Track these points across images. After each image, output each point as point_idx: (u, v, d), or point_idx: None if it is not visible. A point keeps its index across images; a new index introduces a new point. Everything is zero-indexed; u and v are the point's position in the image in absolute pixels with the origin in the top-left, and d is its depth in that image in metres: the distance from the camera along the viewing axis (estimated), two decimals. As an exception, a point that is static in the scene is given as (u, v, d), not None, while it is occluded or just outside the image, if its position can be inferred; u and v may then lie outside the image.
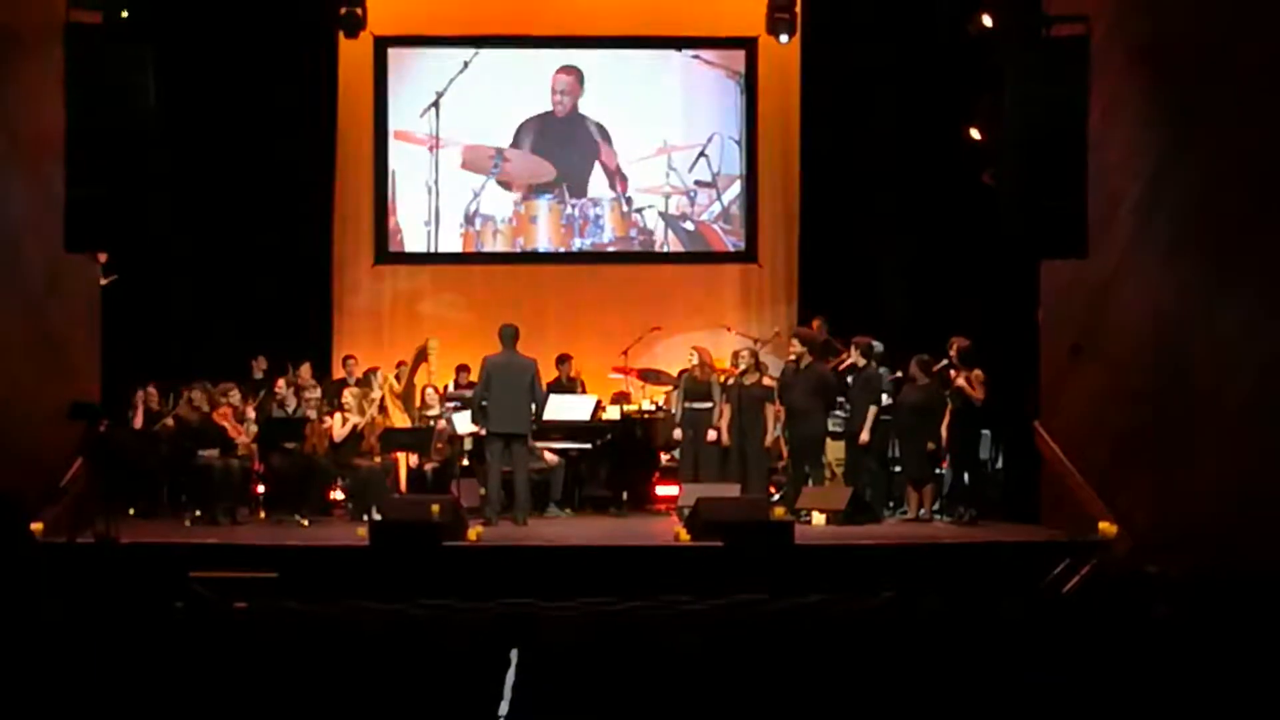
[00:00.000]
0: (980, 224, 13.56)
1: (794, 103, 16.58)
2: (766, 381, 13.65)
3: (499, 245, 16.82)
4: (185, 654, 8.51)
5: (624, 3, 16.71)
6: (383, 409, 13.94)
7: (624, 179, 16.77)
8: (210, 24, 14.84)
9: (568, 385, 14.97)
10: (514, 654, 8.04)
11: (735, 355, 13.91)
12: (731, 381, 13.65)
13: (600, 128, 16.76)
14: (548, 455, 14.00)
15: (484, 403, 13.15)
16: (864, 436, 13.22)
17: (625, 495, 14.30)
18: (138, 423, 13.83)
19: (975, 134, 13.71)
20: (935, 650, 8.66)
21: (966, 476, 13.47)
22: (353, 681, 7.93)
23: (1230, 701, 7.42)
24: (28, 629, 8.91)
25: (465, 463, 14.16)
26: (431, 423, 14.13)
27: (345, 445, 13.68)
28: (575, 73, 16.76)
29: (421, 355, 14.83)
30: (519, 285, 16.57)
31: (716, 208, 16.88)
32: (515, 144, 16.74)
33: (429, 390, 14.53)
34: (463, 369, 15.23)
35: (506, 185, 16.80)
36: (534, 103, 16.78)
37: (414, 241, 16.83)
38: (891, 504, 13.71)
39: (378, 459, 13.66)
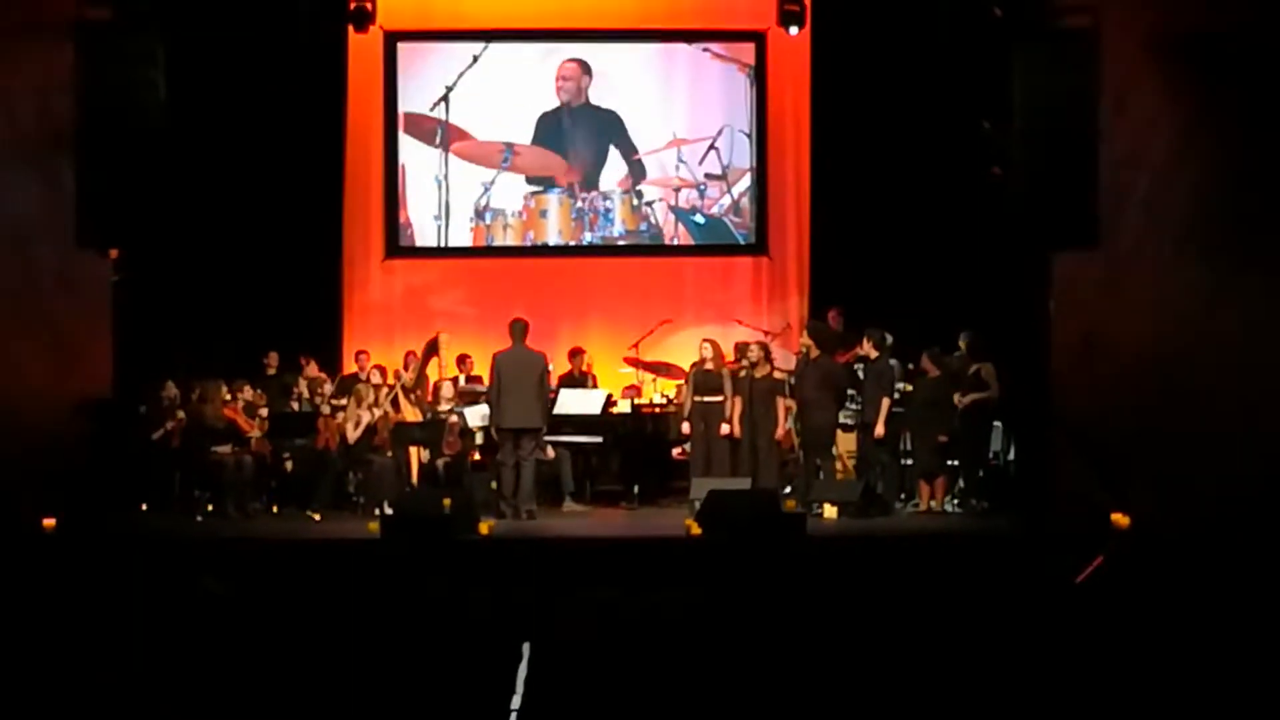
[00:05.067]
0: (991, 216, 13.58)
1: (804, 95, 16.56)
2: (777, 375, 13.66)
3: (509, 239, 16.83)
4: (196, 644, 8.58)
5: (633, -5, 16.76)
6: (395, 403, 13.96)
7: (638, 169, 16.76)
8: (219, 19, 14.81)
9: (580, 379, 14.98)
10: (526, 647, 8.08)
11: (739, 348, 13.94)
12: (743, 374, 13.65)
13: (613, 115, 16.75)
14: (548, 449, 14.01)
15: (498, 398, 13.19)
16: (879, 429, 13.20)
17: (637, 488, 14.32)
18: (150, 418, 13.82)
19: (986, 125, 13.70)
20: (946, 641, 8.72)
21: (979, 469, 13.47)
22: (367, 674, 7.98)
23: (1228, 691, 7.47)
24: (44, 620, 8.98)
25: (477, 457, 14.18)
26: (444, 416, 14.16)
27: (357, 440, 13.71)
28: (579, 62, 16.74)
29: (432, 348, 14.86)
30: (529, 279, 16.56)
31: (727, 200, 16.87)
32: (533, 138, 16.74)
33: (445, 384, 14.56)
34: (464, 359, 15.25)
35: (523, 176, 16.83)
36: (544, 97, 16.77)
37: (424, 236, 16.83)
38: (903, 496, 13.69)
39: (389, 453, 13.68)
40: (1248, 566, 9.83)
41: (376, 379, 14.30)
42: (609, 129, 16.75)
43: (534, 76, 16.76)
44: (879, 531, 12.33)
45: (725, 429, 13.51)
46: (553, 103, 16.77)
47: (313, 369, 14.73)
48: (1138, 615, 9.34)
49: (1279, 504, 10.90)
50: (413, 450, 13.92)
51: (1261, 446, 11.36)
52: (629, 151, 16.74)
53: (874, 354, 13.45)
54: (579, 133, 16.78)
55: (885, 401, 13.23)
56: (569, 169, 16.72)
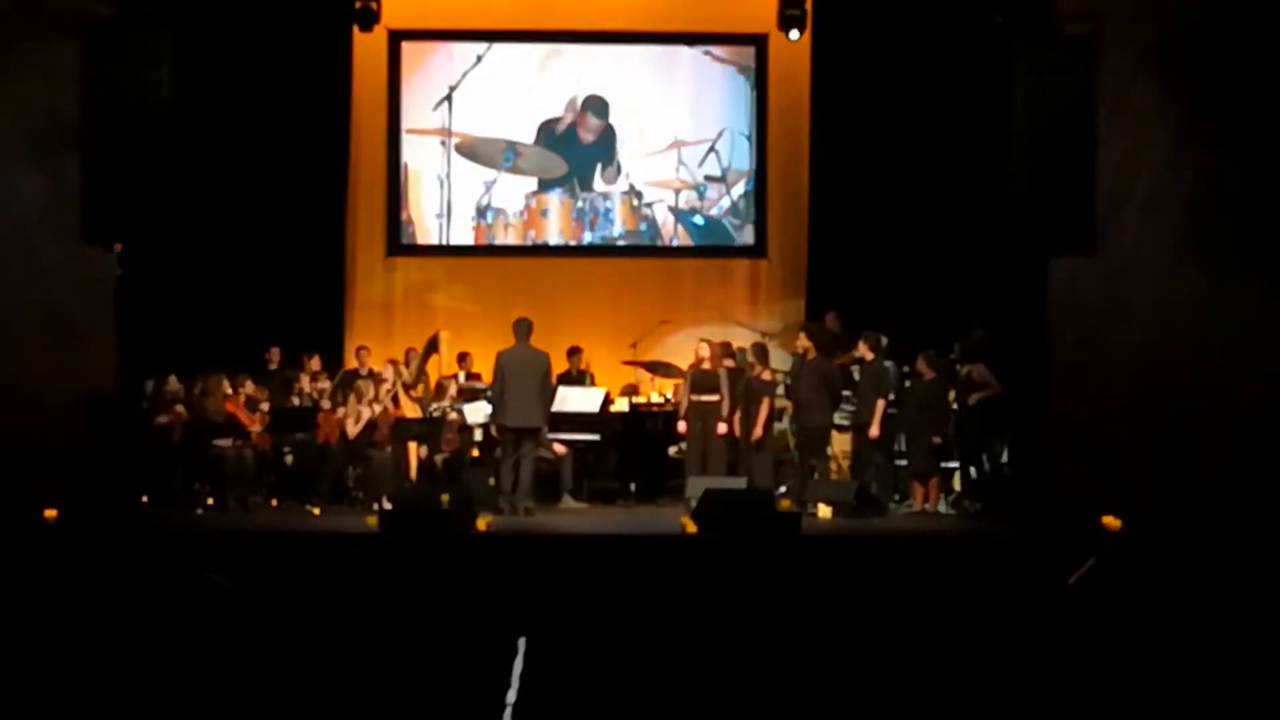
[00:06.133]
0: (989, 220, 13.62)
1: (804, 98, 16.57)
2: (765, 376, 13.70)
3: (510, 238, 16.87)
4: (197, 638, 8.63)
5: (636, -2, 16.82)
6: (395, 400, 14.01)
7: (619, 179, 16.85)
8: (225, 17, 14.87)
9: (578, 378, 15.00)
10: (521, 643, 8.12)
11: (726, 346, 14.00)
12: (743, 375, 13.71)
13: (608, 129, 16.83)
14: (556, 446, 14.07)
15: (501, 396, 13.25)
16: (874, 431, 13.25)
17: (633, 487, 14.38)
18: (152, 412, 13.87)
19: (986, 131, 13.76)
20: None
21: (973, 470, 13.51)
22: (365, 668, 8.02)
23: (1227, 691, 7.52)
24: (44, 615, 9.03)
25: (476, 453, 14.22)
26: (442, 413, 14.21)
27: (357, 435, 13.78)
28: (601, 108, 16.78)
29: (432, 346, 14.90)
30: (530, 278, 16.59)
31: (726, 202, 16.92)
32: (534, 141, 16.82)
33: (450, 382, 14.61)
34: (464, 356, 15.31)
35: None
36: (546, 97, 16.80)
37: (426, 234, 16.89)
38: (898, 497, 13.74)
39: (389, 449, 13.74)
40: (1243, 570, 9.85)
41: (389, 374, 14.34)
42: (605, 142, 16.82)
43: (538, 77, 16.81)
44: (873, 532, 12.36)
45: (722, 428, 13.58)
46: (552, 103, 16.81)
47: (315, 365, 14.78)
48: (1131, 618, 9.36)
49: (1275, 507, 10.94)
50: (412, 446, 13.96)
51: (1259, 449, 11.40)
52: (612, 169, 16.80)
53: (870, 356, 13.49)
54: (579, 143, 16.85)
55: (880, 403, 13.28)
56: (569, 171, 16.78)
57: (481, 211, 16.83)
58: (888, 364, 13.68)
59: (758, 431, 13.44)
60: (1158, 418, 11.91)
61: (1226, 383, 11.74)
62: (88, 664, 8.00)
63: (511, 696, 7.47)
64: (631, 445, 14.65)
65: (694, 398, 13.70)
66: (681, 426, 13.86)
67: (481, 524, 11.97)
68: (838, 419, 13.73)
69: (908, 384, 13.81)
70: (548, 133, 16.81)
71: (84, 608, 9.22)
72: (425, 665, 8.19)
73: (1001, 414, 13.32)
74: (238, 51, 15.40)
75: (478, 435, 14.22)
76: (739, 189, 16.88)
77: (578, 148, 16.83)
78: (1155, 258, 12.26)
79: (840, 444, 13.89)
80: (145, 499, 13.38)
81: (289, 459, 13.99)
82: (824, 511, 12.92)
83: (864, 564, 10.98)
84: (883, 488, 13.51)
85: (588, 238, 16.88)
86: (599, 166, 16.79)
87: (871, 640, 8.88)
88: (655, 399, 15.25)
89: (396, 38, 16.63)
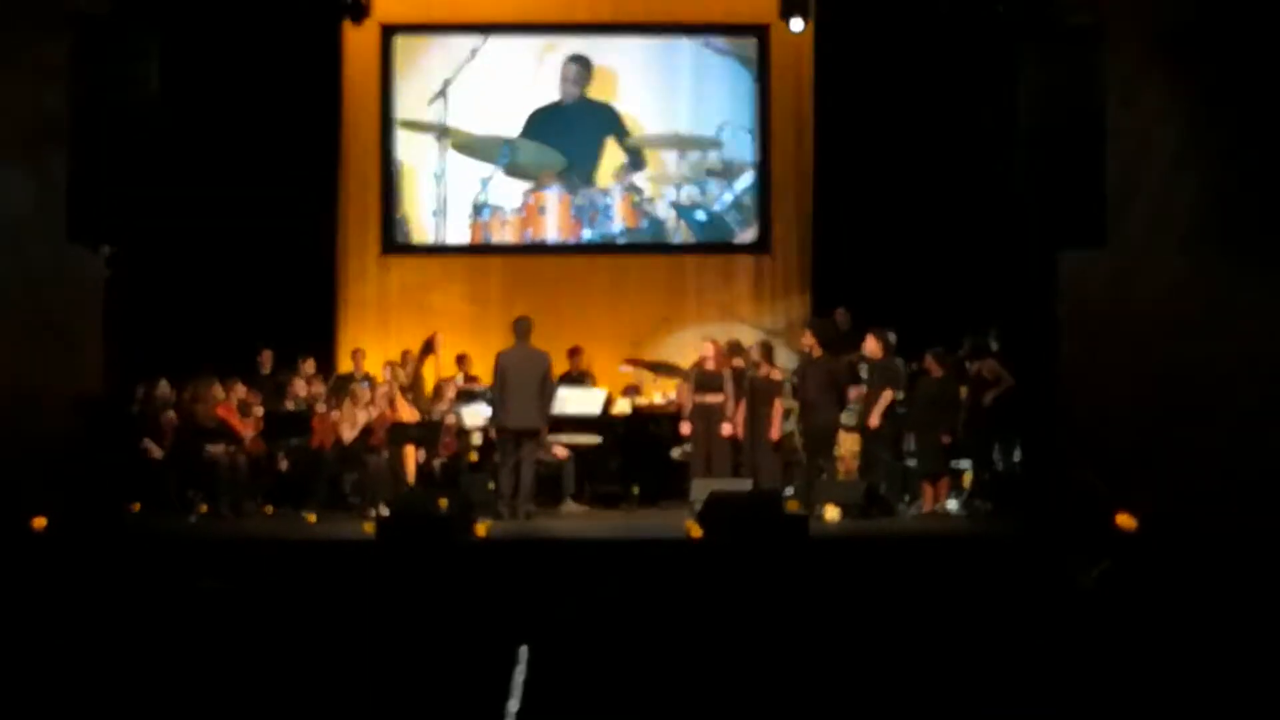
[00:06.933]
0: (997, 213, 13.50)
1: (807, 91, 16.47)
2: (775, 375, 13.55)
3: (507, 236, 16.73)
4: (191, 649, 8.48)
5: (634, -11, 16.66)
6: (391, 403, 13.86)
7: (636, 158, 16.64)
8: (215, 12, 14.75)
9: (578, 378, 14.89)
10: (523, 650, 7.99)
11: (736, 345, 13.83)
12: (747, 374, 13.56)
13: (607, 109, 16.62)
14: (558, 449, 13.91)
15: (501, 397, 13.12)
16: (873, 420, 13.09)
17: (637, 490, 14.22)
18: (143, 417, 13.72)
19: (987, 116, 13.67)
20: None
21: (984, 470, 13.36)
22: (363, 676, 7.88)
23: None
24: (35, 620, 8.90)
25: (474, 458, 14.08)
26: (439, 416, 14.08)
27: (353, 440, 13.62)
28: (583, 61, 16.63)
29: (429, 347, 14.77)
30: (528, 277, 16.48)
31: (728, 197, 16.77)
32: (525, 133, 16.60)
33: (448, 385, 14.49)
34: (463, 358, 15.16)
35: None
36: (543, 92, 16.67)
37: (421, 232, 16.74)
38: (907, 498, 13.59)
39: (385, 453, 13.58)
40: (1256, 568, 9.75)
41: (385, 376, 14.21)
42: (604, 122, 16.61)
43: (533, 71, 16.66)
44: (882, 533, 12.25)
45: (726, 429, 13.41)
46: (550, 98, 16.65)
47: (309, 368, 14.65)
48: (1144, 618, 9.25)
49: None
50: (409, 450, 13.82)
51: (1269, 444, 11.31)
52: (625, 139, 16.61)
53: (879, 353, 13.36)
54: (575, 128, 16.65)
55: (887, 394, 13.11)
56: (567, 165, 16.60)
57: (478, 209, 16.69)
58: (897, 361, 13.54)
59: (774, 434, 13.27)
60: (1167, 412, 11.84)
61: (1236, 376, 11.67)
62: (79, 676, 7.88)
63: (513, 706, 7.38)
64: (634, 447, 14.55)
65: (698, 398, 13.54)
66: (685, 428, 13.72)
67: (481, 529, 11.85)
68: (844, 419, 13.57)
69: (916, 381, 13.66)
70: (538, 119, 16.60)
71: (75, 618, 9.09)
72: (425, 675, 8.08)
73: (1013, 411, 13.18)
74: (227, 47, 15.32)
75: (476, 439, 14.10)
76: (741, 184, 16.72)
77: (576, 138, 16.62)
78: (1165, 251, 12.17)
79: (848, 444, 13.73)
80: (136, 506, 13.23)
81: (283, 464, 13.85)
82: (832, 513, 12.76)
83: (873, 566, 10.88)
84: (891, 488, 13.40)
85: (587, 235, 16.74)
86: (608, 146, 16.60)
87: (881, 644, 8.75)
88: (658, 400, 15.10)
89: (389, 31, 16.52)
